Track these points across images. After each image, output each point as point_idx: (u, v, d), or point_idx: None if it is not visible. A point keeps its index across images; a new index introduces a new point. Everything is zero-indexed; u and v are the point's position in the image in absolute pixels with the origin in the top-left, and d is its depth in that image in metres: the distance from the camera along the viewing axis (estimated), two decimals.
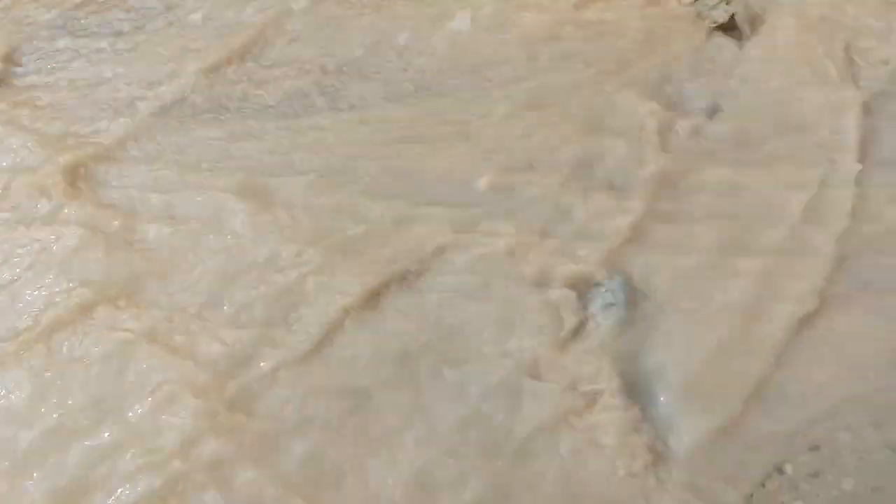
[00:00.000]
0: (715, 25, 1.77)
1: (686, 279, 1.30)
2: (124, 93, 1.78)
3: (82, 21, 1.99)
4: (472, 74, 1.76)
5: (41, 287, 1.44)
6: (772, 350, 1.21)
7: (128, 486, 1.15)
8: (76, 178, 1.61)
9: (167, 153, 1.64)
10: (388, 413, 1.20)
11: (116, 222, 1.50)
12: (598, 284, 1.31)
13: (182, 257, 1.43)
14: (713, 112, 1.57)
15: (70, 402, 1.25)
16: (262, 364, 1.28)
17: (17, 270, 1.47)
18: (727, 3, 1.79)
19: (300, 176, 1.55)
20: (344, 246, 1.40)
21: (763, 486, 1.09)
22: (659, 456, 1.13)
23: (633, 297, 1.28)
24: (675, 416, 1.17)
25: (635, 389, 1.20)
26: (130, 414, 1.24)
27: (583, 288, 1.31)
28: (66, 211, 1.55)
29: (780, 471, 1.11)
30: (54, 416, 1.25)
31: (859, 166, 1.39)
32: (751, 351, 1.21)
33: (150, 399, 1.25)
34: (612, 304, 1.28)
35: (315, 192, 1.51)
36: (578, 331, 1.26)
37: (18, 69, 1.90)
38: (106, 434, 1.21)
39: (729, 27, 1.78)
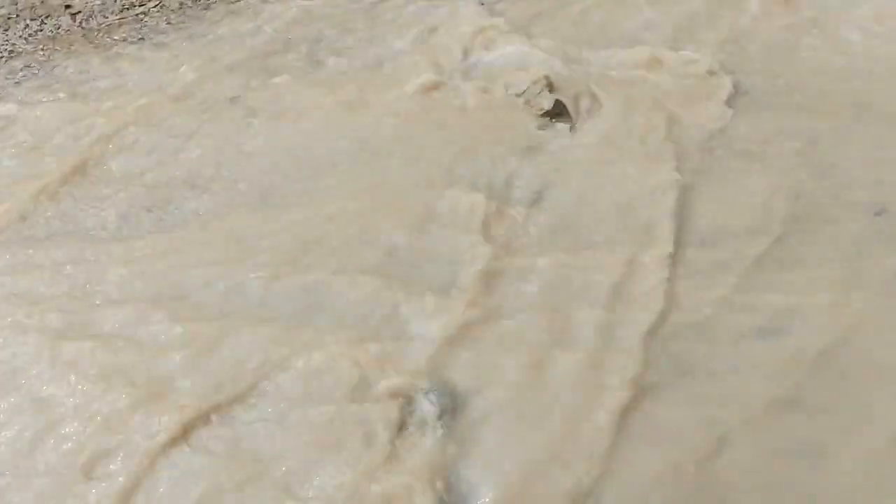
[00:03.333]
0: (542, 112, 1.78)
1: (509, 382, 1.22)
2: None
3: None
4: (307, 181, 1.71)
5: None
6: (595, 449, 1.12)
7: None
8: None
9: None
10: None
11: None
12: (420, 393, 1.23)
13: None
14: (537, 200, 1.54)
15: None
16: None
17: None
18: (550, 91, 1.80)
19: (125, 304, 1.43)
20: (161, 380, 1.28)
21: None
22: None
23: (454, 406, 1.19)
24: None
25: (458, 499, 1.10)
26: None
27: (403, 398, 1.22)
28: None
29: None
30: None
31: (670, 249, 1.37)
32: (574, 453, 1.12)
33: None
34: (432, 415, 1.19)
35: (140, 317, 1.40)
36: (397, 448, 1.16)
37: None
38: None
39: (556, 113, 1.78)
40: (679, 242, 1.40)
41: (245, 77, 2.00)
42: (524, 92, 1.80)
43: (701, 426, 1.13)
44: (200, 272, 1.50)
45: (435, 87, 1.90)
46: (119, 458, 1.19)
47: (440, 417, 1.18)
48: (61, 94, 2.02)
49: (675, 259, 1.37)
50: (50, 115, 1.91)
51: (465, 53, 2.03)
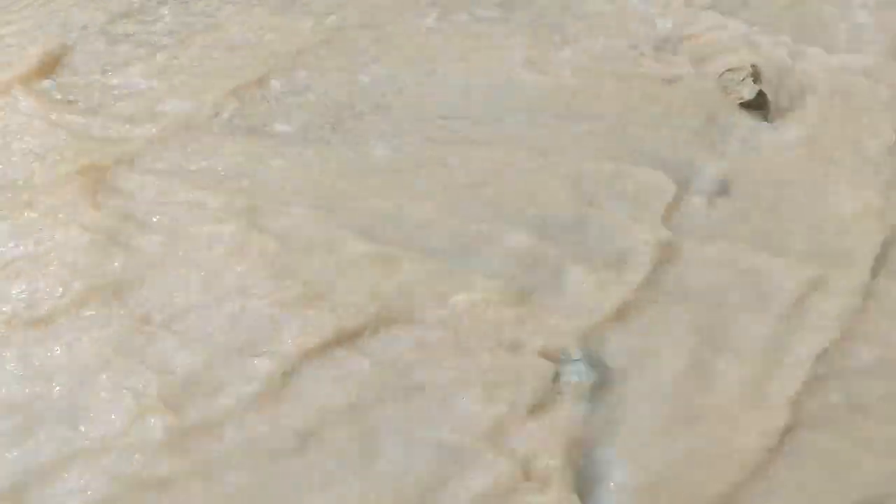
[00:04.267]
0: (741, 101, 1.66)
1: (663, 373, 1.18)
2: (154, 103, 1.77)
3: (127, 30, 2.00)
4: (488, 124, 1.70)
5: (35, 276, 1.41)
6: (743, 463, 1.07)
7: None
8: (97, 178, 1.58)
9: (181, 165, 1.61)
10: (332, 457, 1.11)
11: (118, 226, 1.46)
12: (570, 360, 1.20)
13: (164, 271, 1.38)
14: (722, 192, 1.45)
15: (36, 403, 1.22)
16: (222, 388, 1.21)
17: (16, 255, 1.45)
18: (755, 81, 1.67)
19: (298, 207, 1.49)
20: (320, 284, 1.33)
21: None
22: None
23: (603, 381, 1.17)
24: None
25: (583, 482, 1.08)
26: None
27: (555, 360, 1.21)
28: (77, 208, 1.51)
29: None
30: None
31: (866, 278, 1.25)
32: (721, 461, 1.08)
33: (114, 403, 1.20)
34: (579, 384, 1.17)
35: (303, 226, 1.45)
36: (540, 405, 1.15)
37: (65, 69, 1.91)
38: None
39: (756, 105, 1.66)
40: (877, 273, 1.27)
41: (442, 9, 1.98)
42: (724, 76, 1.68)
43: (869, 471, 1.04)
44: (366, 193, 1.53)
45: (622, 55, 1.81)
46: (269, 351, 1.25)
47: (586, 390, 1.16)
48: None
49: (869, 289, 1.25)
50: (255, 22, 1.98)
51: (664, 24, 1.92)
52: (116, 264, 1.40)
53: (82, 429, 1.17)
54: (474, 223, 1.42)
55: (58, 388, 1.23)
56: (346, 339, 1.26)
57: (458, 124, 1.70)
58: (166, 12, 2.06)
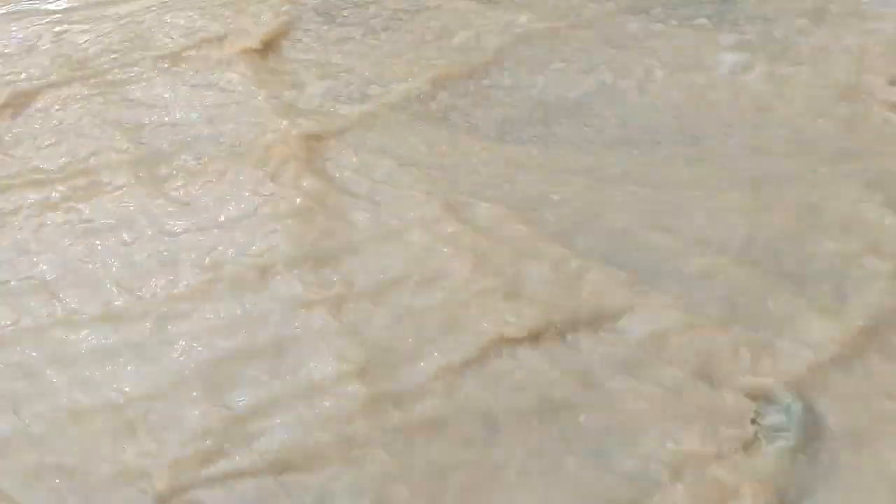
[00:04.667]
0: None
1: (884, 431, 1.09)
2: (363, 83, 1.86)
3: (343, 12, 2.11)
4: (692, 139, 1.65)
5: (245, 237, 1.51)
6: None
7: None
8: (311, 149, 1.67)
9: (388, 145, 1.68)
10: (518, 454, 1.12)
11: (327, 195, 1.55)
12: (777, 403, 1.14)
13: (370, 244, 1.44)
14: None
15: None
16: (415, 364, 1.25)
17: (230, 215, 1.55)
18: None
19: (494, 202, 1.51)
20: (515, 280, 1.34)
21: None
22: None
23: (811, 432, 1.10)
24: None
25: None
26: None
27: (757, 399, 1.15)
28: (288, 176, 1.62)
29: None
30: None
31: None
32: None
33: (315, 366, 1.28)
34: (785, 430, 1.11)
35: (501, 221, 1.47)
36: (740, 448, 1.10)
37: (284, 44, 2.04)
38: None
39: None
40: None
41: (649, 19, 1.94)
42: None
43: None
44: (566, 198, 1.52)
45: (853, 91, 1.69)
46: (464, 337, 1.28)
47: (791, 439, 1.09)
48: None
49: None
50: (468, 11, 2.02)
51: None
52: (325, 232, 1.48)
53: (288, 378, 1.26)
54: (679, 242, 1.38)
55: (267, 336, 1.32)
56: (539, 338, 1.27)
57: (664, 137, 1.65)
58: None
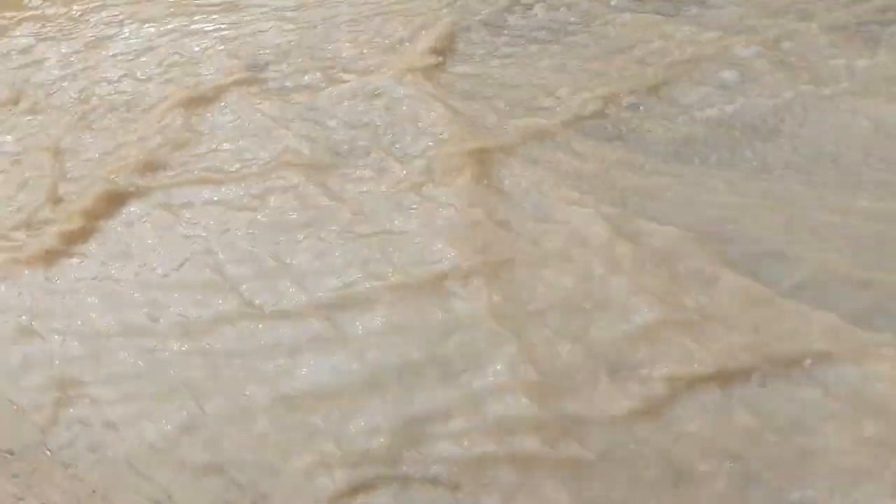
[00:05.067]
0: None
1: None
2: (533, 97, 1.83)
3: (511, 24, 2.10)
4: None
5: (414, 245, 1.53)
6: None
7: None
8: (482, 161, 1.67)
9: (559, 160, 1.65)
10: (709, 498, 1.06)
11: (497, 209, 1.54)
12: None
13: (540, 262, 1.42)
14: None
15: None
16: (591, 393, 1.22)
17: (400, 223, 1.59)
18: None
19: (670, 226, 1.44)
20: (698, 313, 1.28)
21: None
22: None
23: None
24: None
25: None
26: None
27: None
28: (458, 187, 1.62)
29: None
30: None
31: None
32: None
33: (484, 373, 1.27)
34: None
35: (682, 246, 1.40)
36: None
37: (454, 57, 2.06)
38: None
39: None
40: None
41: (845, 42, 1.79)
42: None
43: None
44: (754, 226, 1.43)
45: None
46: (646, 370, 1.22)
47: None
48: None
49: None
50: (636, 26, 1.97)
51: None
52: (494, 247, 1.48)
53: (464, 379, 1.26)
54: (891, 280, 1.25)
55: (451, 344, 1.33)
56: (726, 378, 1.20)
57: (860, 165, 1.52)
58: (539, 11, 2.13)
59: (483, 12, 2.17)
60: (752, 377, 1.19)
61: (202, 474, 1.27)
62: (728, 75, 1.77)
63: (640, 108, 1.75)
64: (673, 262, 1.38)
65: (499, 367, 1.27)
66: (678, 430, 1.14)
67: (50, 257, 1.61)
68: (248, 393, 1.34)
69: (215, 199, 1.72)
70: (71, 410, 1.38)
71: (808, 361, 1.19)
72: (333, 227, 1.58)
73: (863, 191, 1.46)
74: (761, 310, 1.28)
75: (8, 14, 2.55)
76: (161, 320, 1.49)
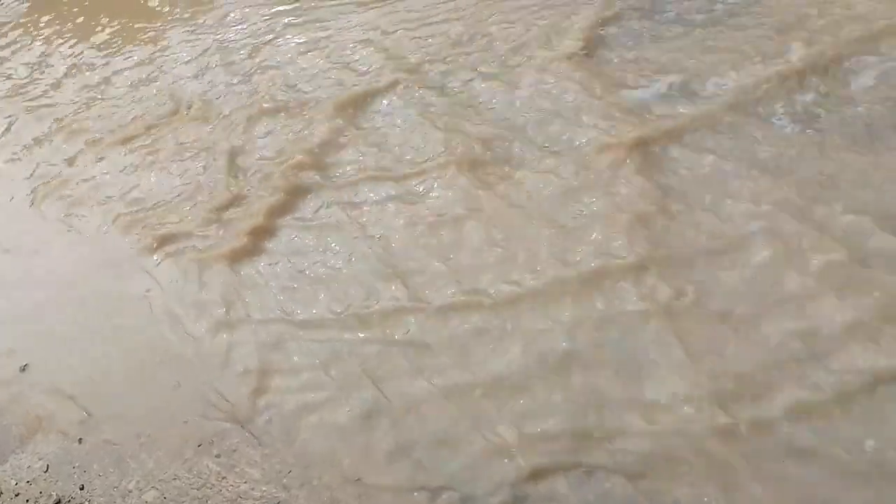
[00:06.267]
0: None
1: None
2: (693, 82, 1.80)
3: (664, 7, 2.05)
4: None
5: (579, 240, 1.55)
6: None
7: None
8: (640, 151, 1.69)
9: (728, 148, 1.63)
10: None
11: (664, 201, 1.55)
12: None
13: (714, 257, 1.41)
14: None
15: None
16: (773, 395, 1.21)
17: (563, 216, 1.61)
18: None
19: (855, 213, 1.40)
20: (889, 309, 1.23)
21: None
22: None
23: None
24: None
25: None
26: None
27: None
28: (621, 179, 1.64)
29: None
30: None
31: None
32: None
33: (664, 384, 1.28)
34: None
35: (867, 236, 1.36)
36: None
37: (606, 44, 2.04)
38: None
39: None
40: None
41: None
42: None
43: None
44: None
45: None
46: (836, 365, 1.18)
47: None
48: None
49: None
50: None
51: None
52: (664, 240, 1.48)
53: (644, 388, 1.28)
54: None
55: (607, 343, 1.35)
56: None
57: None
58: None
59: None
60: None
61: (389, 457, 1.35)
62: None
63: (815, 91, 1.68)
64: (862, 255, 1.33)
65: (672, 370, 1.28)
66: (874, 423, 1.11)
67: (236, 254, 1.74)
68: (425, 381, 1.41)
69: (383, 195, 1.81)
70: (267, 397, 1.50)
71: None
72: (498, 223, 1.63)
73: None
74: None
75: (153, 24, 2.75)
76: (341, 313, 1.58)
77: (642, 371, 1.30)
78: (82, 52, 2.67)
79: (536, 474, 1.24)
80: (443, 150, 1.84)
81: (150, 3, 2.89)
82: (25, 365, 1.63)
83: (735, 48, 1.85)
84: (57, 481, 1.40)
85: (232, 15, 2.66)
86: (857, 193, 1.46)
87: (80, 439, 1.46)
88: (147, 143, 2.13)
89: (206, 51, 2.50)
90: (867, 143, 1.55)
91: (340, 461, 1.38)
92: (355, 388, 1.46)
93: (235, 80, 2.29)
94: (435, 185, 1.77)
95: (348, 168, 1.88)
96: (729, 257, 1.41)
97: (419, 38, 2.25)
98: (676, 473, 1.18)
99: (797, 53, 1.77)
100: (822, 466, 1.12)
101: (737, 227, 1.45)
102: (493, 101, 1.93)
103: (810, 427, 1.16)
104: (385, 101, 2.05)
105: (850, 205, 1.43)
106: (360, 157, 1.91)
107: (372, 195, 1.81)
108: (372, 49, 2.25)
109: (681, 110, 1.72)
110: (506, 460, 1.27)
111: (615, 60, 1.95)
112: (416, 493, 1.28)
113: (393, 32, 2.30)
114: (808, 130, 1.61)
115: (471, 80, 2.01)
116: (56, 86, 2.53)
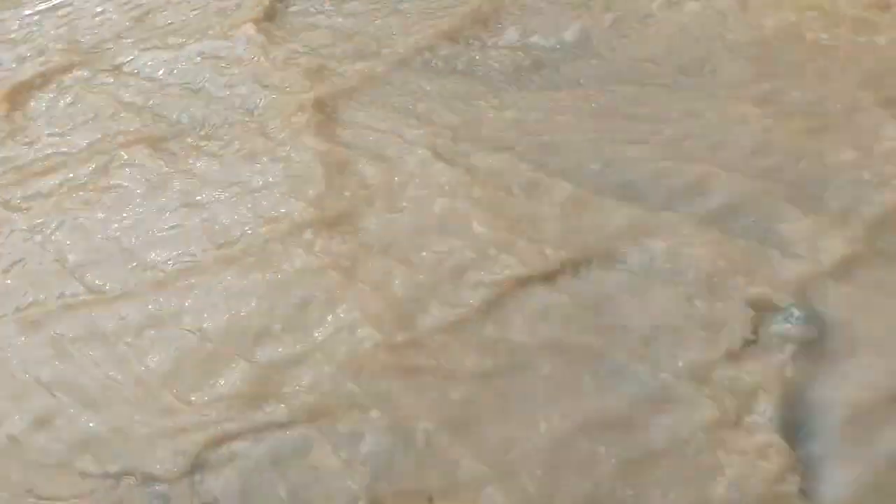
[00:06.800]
0: None
1: (882, 326, 1.15)
2: (368, 42, 1.89)
3: None
4: (697, 70, 1.65)
5: (262, 201, 1.56)
6: None
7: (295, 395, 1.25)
8: (317, 111, 1.72)
9: (398, 101, 1.73)
10: (538, 382, 1.19)
11: (339, 156, 1.60)
12: (780, 310, 1.20)
13: (381, 201, 1.49)
14: None
15: (260, 307, 1.38)
16: (431, 312, 1.31)
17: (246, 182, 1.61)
18: None
19: (501, 151, 1.55)
20: (528, 222, 1.40)
21: None
22: (801, 498, 1.02)
23: (815, 332, 1.17)
24: (825, 460, 1.06)
25: (792, 424, 1.09)
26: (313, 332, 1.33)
27: (764, 310, 1.21)
28: (302, 137, 1.67)
29: None
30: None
31: None
32: None
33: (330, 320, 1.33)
34: (790, 334, 1.17)
35: (509, 166, 1.51)
36: (746, 352, 1.17)
37: (290, 8, 2.07)
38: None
39: None
40: None
41: None
42: None
43: None
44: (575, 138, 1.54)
45: None
46: (481, 276, 1.33)
47: (797, 339, 1.16)
48: None
49: None
50: None
51: None
52: (339, 193, 1.53)
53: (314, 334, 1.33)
54: (687, 168, 1.40)
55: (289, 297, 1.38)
56: (549, 276, 1.33)
57: (667, 71, 1.66)
58: None
59: None
60: (574, 272, 1.31)
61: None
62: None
63: (472, 43, 1.84)
64: (505, 183, 1.48)
65: (346, 308, 1.34)
66: (508, 327, 1.26)
67: None
68: (101, 374, 1.35)
69: (53, 186, 1.70)
70: None
71: (622, 250, 1.32)
72: (175, 197, 1.60)
73: (671, 92, 1.60)
74: (584, 213, 1.40)
75: None
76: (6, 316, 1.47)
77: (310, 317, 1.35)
78: None
79: (213, 441, 1.24)
80: (118, 131, 1.76)
81: None
82: None
83: (403, 9, 1.96)
84: None
85: None
86: (504, 130, 1.61)
87: None
88: None
89: None
90: (515, 83, 1.72)
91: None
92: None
93: None
94: (110, 170, 1.69)
95: (11, 164, 1.75)
96: (396, 201, 1.50)
97: (94, 15, 2.13)
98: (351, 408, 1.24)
99: (456, 10, 1.91)
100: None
101: (400, 173, 1.54)
102: (171, 72, 1.88)
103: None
104: (53, 85, 1.92)
105: (499, 142, 1.58)
106: (25, 150, 1.78)
107: (41, 188, 1.69)
108: (39, 30, 2.10)
109: (355, 69, 1.80)
110: (181, 435, 1.25)
111: (295, 25, 1.98)
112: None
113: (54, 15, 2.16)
114: (467, 78, 1.76)
115: (148, 53, 1.95)
116: None
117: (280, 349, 1.31)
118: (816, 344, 1.16)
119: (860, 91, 1.52)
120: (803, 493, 1.03)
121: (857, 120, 1.46)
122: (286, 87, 1.78)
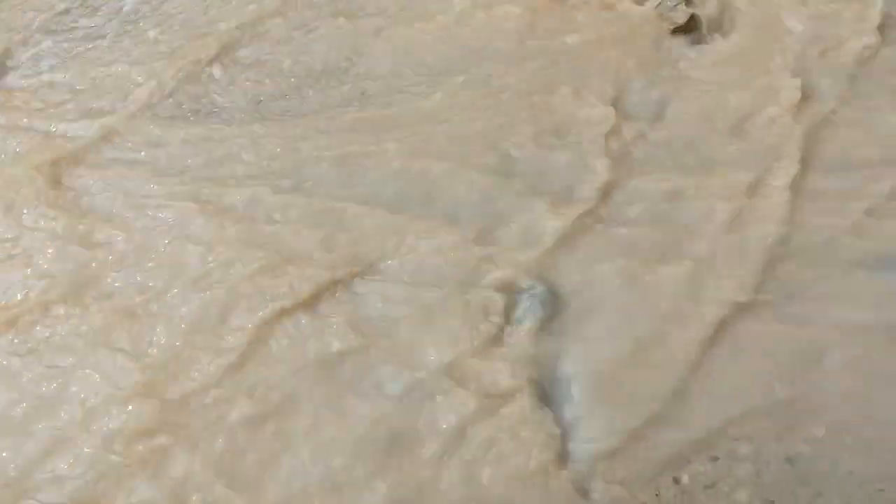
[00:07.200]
0: (674, 27, 1.74)
1: (610, 287, 1.30)
2: (96, 97, 1.81)
3: (69, 24, 2.04)
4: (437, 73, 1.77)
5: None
6: (685, 357, 1.20)
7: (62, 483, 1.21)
8: (53, 176, 1.64)
9: (138, 155, 1.68)
10: (307, 413, 1.22)
11: (80, 224, 1.54)
12: (522, 290, 1.31)
13: (131, 264, 1.47)
14: (657, 118, 1.54)
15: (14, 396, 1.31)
16: (197, 364, 1.31)
17: None
18: (686, 5, 1.75)
19: (251, 186, 1.56)
20: (279, 250, 1.42)
21: (657, 495, 1.09)
22: (561, 460, 1.14)
23: (555, 305, 1.29)
24: (581, 422, 1.18)
25: (548, 395, 1.20)
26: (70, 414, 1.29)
27: (508, 293, 1.31)
28: (38, 208, 1.59)
29: (676, 480, 1.10)
30: None
31: (793, 172, 1.37)
32: (665, 358, 1.21)
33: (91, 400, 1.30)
34: (533, 312, 1.28)
35: (261, 199, 1.53)
36: (498, 336, 1.27)
37: (11, 70, 1.95)
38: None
39: (688, 29, 1.74)
40: (805, 168, 1.38)
41: None
42: (659, 4, 1.76)
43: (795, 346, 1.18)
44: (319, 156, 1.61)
45: None
46: (244, 315, 1.34)
47: (541, 314, 1.27)
48: None
49: (798, 184, 1.35)
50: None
51: None
52: (83, 259, 1.48)
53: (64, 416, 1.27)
54: (436, 165, 1.50)
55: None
56: (317, 299, 1.36)
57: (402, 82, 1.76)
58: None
59: (36, 21, 2.08)
60: (333, 292, 1.36)
61: None
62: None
63: (210, 78, 1.83)
64: (259, 216, 1.51)
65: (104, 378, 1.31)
66: (276, 362, 1.29)
67: None
68: None
69: None
70: None
71: (378, 258, 1.39)
72: None
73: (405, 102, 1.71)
74: (337, 226, 1.46)
75: None
76: None
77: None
78: None
79: None
80: None
81: None
82: None
83: (128, 56, 1.91)
84: None
85: None
86: (255, 163, 1.63)
87: None
88: None
89: None
90: (259, 113, 1.75)
91: None
92: None
93: None
94: None
95: None
96: (144, 259, 1.47)
97: None
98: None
99: (186, 46, 1.90)
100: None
101: (152, 231, 1.51)
102: None
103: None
104: None
105: (251, 177, 1.61)
106: None
107: None
108: None
109: (85, 129, 1.72)
110: None
111: (21, 88, 1.88)
112: None
113: None
114: (209, 116, 1.76)
115: None
116: None
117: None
118: (559, 318, 1.28)
119: None
120: (560, 456, 1.14)
121: None
122: (10, 156, 1.69)
